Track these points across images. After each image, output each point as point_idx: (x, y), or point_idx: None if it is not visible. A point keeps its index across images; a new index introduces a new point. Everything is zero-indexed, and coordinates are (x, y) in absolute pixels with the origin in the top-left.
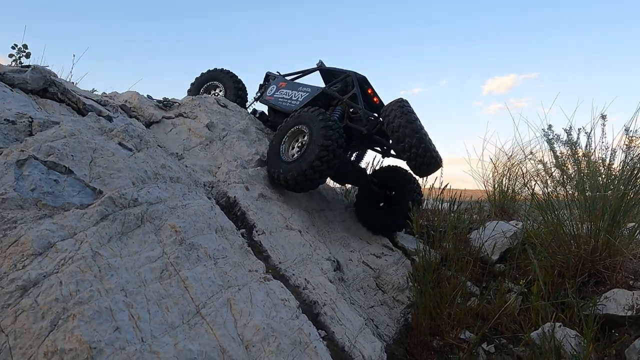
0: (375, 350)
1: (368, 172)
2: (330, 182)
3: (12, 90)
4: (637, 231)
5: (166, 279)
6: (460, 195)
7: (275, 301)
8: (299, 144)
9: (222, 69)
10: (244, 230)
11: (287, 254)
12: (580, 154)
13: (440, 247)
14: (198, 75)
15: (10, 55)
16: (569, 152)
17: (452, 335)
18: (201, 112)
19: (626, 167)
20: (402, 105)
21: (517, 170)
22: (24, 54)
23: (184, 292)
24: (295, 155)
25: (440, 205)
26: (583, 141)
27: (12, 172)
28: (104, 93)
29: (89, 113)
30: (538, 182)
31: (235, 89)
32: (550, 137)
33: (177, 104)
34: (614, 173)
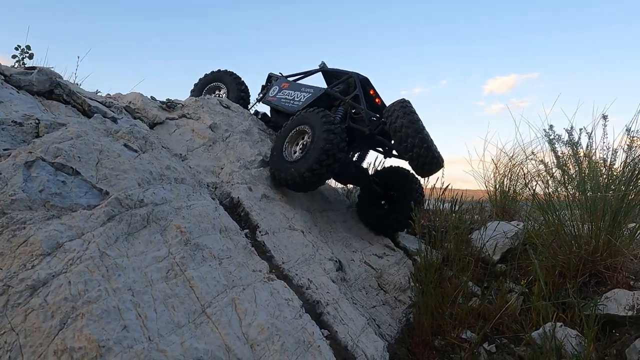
0: (377, 350)
1: (370, 172)
2: (332, 182)
3: (18, 92)
4: (638, 232)
5: (172, 279)
6: (462, 196)
7: (279, 301)
8: (302, 144)
9: (225, 70)
10: (247, 230)
11: (290, 254)
12: (582, 154)
13: (442, 248)
14: (201, 76)
15: (14, 57)
16: (570, 152)
17: (454, 334)
18: (204, 113)
19: (627, 167)
20: (404, 106)
21: (518, 170)
22: (27, 55)
23: (189, 291)
24: (298, 155)
25: (441, 205)
26: (584, 141)
27: (20, 174)
28: (108, 94)
29: (95, 115)
30: (539, 182)
31: (238, 90)
32: (552, 137)
33: (181, 105)
34: (615, 173)
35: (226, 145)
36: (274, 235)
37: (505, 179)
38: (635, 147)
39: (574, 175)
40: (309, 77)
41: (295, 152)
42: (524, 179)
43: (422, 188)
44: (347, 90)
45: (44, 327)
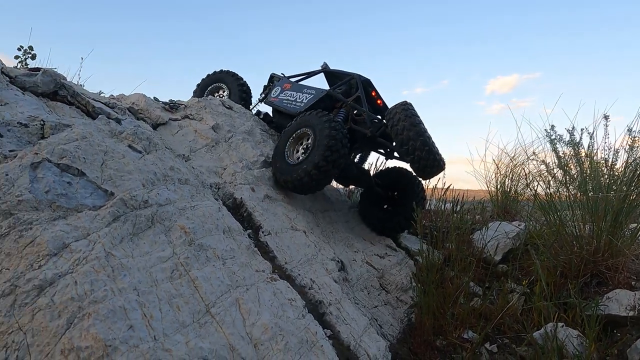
0: (380, 350)
1: (371, 173)
2: (334, 183)
3: (23, 94)
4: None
5: (177, 279)
6: (463, 196)
7: (282, 301)
8: (304, 147)
9: (227, 70)
10: (250, 231)
11: (293, 255)
12: (583, 154)
13: (443, 248)
14: (203, 76)
15: (16, 57)
16: (571, 152)
17: (455, 335)
18: (207, 114)
19: (629, 167)
20: (406, 108)
21: (519, 170)
22: (30, 55)
23: (194, 291)
24: (300, 157)
25: (443, 205)
26: (586, 142)
27: (26, 175)
28: (112, 95)
29: (99, 116)
30: (540, 182)
31: (240, 91)
32: (553, 137)
33: (183, 106)
34: (616, 174)
35: (229, 146)
36: (276, 236)
37: (507, 179)
38: (637, 147)
39: (575, 176)
40: (311, 78)
41: (297, 155)
42: (526, 179)
43: (424, 188)
44: (349, 92)
45: (51, 327)
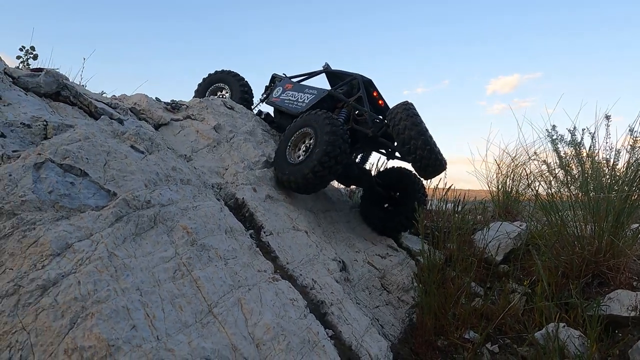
0: (381, 350)
1: (372, 173)
2: (335, 183)
3: (26, 94)
4: None
5: (179, 279)
6: (464, 196)
7: (284, 301)
8: (305, 147)
9: (229, 70)
10: (252, 231)
11: (295, 255)
12: (584, 154)
13: (445, 248)
14: (205, 76)
15: (18, 57)
16: (573, 152)
17: (457, 335)
18: (208, 114)
19: (630, 168)
20: (407, 108)
21: (521, 171)
22: (32, 55)
23: (196, 291)
24: (301, 157)
25: (444, 206)
26: (587, 142)
27: (30, 175)
28: (114, 96)
29: (102, 116)
30: (542, 182)
31: (241, 92)
32: (554, 137)
33: (185, 106)
34: (618, 174)
35: (230, 146)
36: (278, 236)
37: (508, 180)
38: (639, 147)
39: (576, 176)
40: (312, 79)
41: (298, 155)
42: (527, 179)
43: (425, 188)
44: (351, 92)
45: (54, 327)
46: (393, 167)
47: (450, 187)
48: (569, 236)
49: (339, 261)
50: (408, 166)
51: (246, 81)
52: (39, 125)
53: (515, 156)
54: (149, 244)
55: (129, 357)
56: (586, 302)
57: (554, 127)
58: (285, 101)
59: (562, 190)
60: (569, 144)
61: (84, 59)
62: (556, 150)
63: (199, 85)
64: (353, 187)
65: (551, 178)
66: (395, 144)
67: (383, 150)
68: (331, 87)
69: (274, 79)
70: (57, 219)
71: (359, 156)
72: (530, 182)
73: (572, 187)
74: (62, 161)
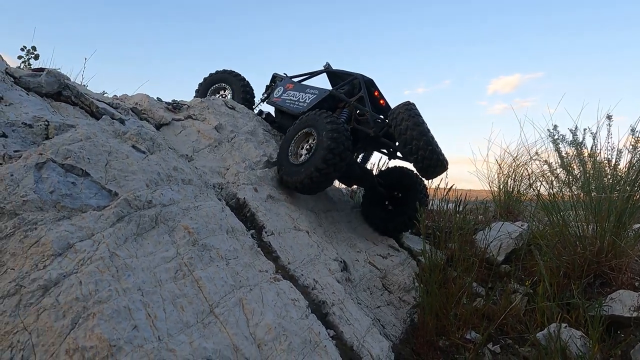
0: (383, 350)
1: (374, 173)
2: (336, 183)
3: (28, 94)
4: None
5: (180, 279)
6: (466, 196)
7: (285, 301)
8: (307, 147)
9: (230, 70)
10: (253, 231)
11: (296, 255)
12: (586, 154)
13: (446, 248)
14: (207, 75)
15: (20, 57)
16: (574, 152)
17: (458, 335)
18: (210, 114)
19: (632, 168)
20: (409, 109)
21: (522, 171)
22: (33, 55)
23: (197, 292)
24: (303, 158)
25: (445, 206)
26: (589, 142)
27: (31, 175)
28: (115, 96)
29: (103, 116)
30: (543, 183)
31: (244, 92)
32: (556, 137)
33: (186, 106)
34: (619, 174)
35: (231, 146)
36: (279, 236)
37: (510, 180)
38: None
39: (578, 176)
40: (313, 78)
41: (301, 155)
42: (528, 179)
43: (426, 188)
44: (352, 92)
45: (55, 327)
46: (395, 166)
47: (451, 187)
48: (571, 236)
49: (340, 261)
50: (409, 166)
51: (248, 81)
52: (41, 125)
53: (516, 156)
54: (151, 244)
55: (130, 357)
56: (588, 303)
57: (555, 127)
58: (287, 101)
59: (563, 190)
60: (570, 143)
61: (85, 59)
62: (558, 150)
63: (200, 84)
64: (354, 187)
65: (553, 178)
66: (397, 144)
67: (384, 150)
68: (332, 86)
69: (275, 78)
70: (59, 219)
71: (360, 156)
72: (531, 182)
73: (574, 187)
74: (64, 161)
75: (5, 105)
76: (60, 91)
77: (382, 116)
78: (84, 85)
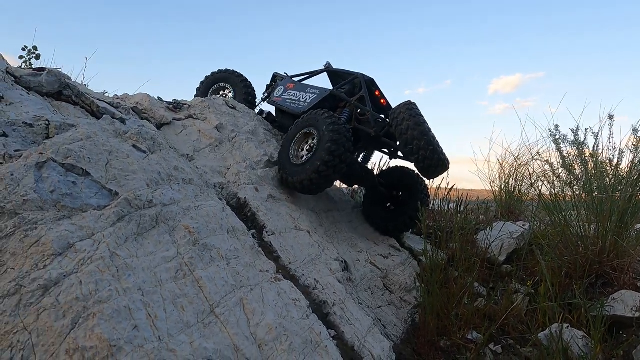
0: (384, 350)
1: (375, 172)
2: (337, 183)
3: (28, 94)
4: None
5: (181, 279)
6: (467, 196)
7: (286, 301)
8: (308, 147)
9: (232, 70)
10: (254, 231)
11: (297, 255)
12: (588, 154)
13: (447, 248)
14: (208, 75)
15: (21, 57)
16: (576, 152)
17: (460, 335)
18: (210, 113)
19: (634, 168)
20: (410, 108)
21: (523, 170)
22: (34, 55)
23: (198, 291)
24: (304, 158)
25: (447, 205)
26: (590, 141)
27: (32, 175)
28: (116, 95)
29: (104, 116)
30: (545, 182)
31: (245, 92)
32: (557, 137)
33: (187, 105)
34: (621, 174)
35: (232, 146)
36: (280, 236)
37: (511, 179)
38: None
39: (580, 176)
40: (314, 78)
41: (302, 155)
42: (530, 179)
43: (428, 188)
44: (353, 91)
45: (56, 327)
46: (396, 166)
47: (452, 186)
48: (573, 236)
49: (341, 261)
50: (411, 166)
51: (249, 81)
52: (41, 124)
53: (518, 156)
54: (151, 243)
55: (130, 357)
56: (590, 303)
57: (556, 126)
58: (287, 101)
59: (565, 190)
60: (572, 143)
61: (86, 58)
62: (559, 150)
63: (201, 84)
64: (355, 186)
65: (554, 178)
66: (398, 143)
67: (385, 150)
68: (333, 86)
69: (276, 78)
70: (59, 219)
71: (361, 156)
72: (533, 182)
73: (576, 187)
74: (64, 161)
75: (6, 105)
76: (61, 91)
77: (383, 116)
78: (85, 85)
